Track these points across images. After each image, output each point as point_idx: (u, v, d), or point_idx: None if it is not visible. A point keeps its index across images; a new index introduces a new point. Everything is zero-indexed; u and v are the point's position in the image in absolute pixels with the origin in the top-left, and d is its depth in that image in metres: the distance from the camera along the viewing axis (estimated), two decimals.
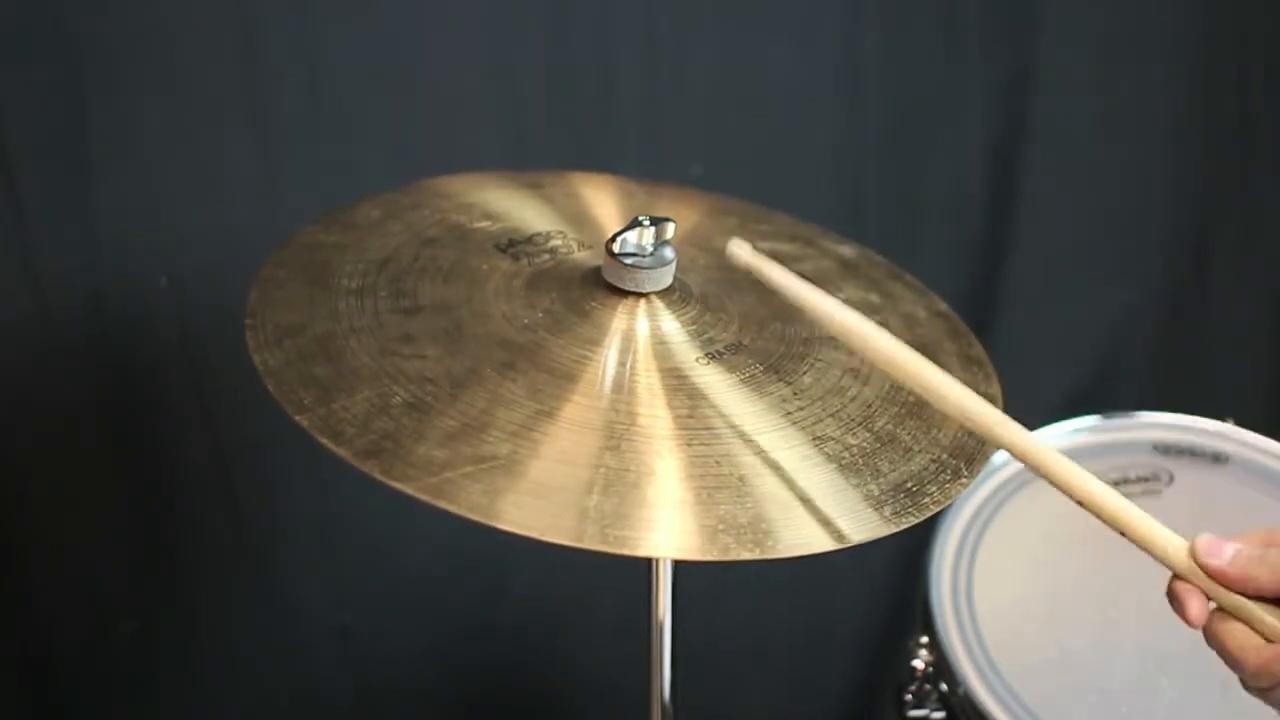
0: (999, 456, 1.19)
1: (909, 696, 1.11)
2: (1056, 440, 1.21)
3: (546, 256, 0.91)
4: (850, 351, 0.83)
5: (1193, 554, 0.69)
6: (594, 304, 0.85)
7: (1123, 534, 0.71)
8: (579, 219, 0.98)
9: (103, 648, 1.37)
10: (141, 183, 1.23)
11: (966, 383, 0.90)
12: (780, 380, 0.83)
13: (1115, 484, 1.17)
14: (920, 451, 0.81)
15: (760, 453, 0.76)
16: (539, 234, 0.94)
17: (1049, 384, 1.65)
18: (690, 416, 0.78)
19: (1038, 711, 1.00)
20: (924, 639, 1.10)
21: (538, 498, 0.71)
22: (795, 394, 0.82)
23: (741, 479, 0.74)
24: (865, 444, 0.80)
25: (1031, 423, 1.18)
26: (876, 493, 0.76)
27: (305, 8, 1.25)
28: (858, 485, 0.76)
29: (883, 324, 0.93)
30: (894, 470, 0.78)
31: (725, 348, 0.84)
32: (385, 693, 1.52)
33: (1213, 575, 0.69)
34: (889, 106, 1.53)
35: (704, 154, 1.45)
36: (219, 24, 1.22)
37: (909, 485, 0.78)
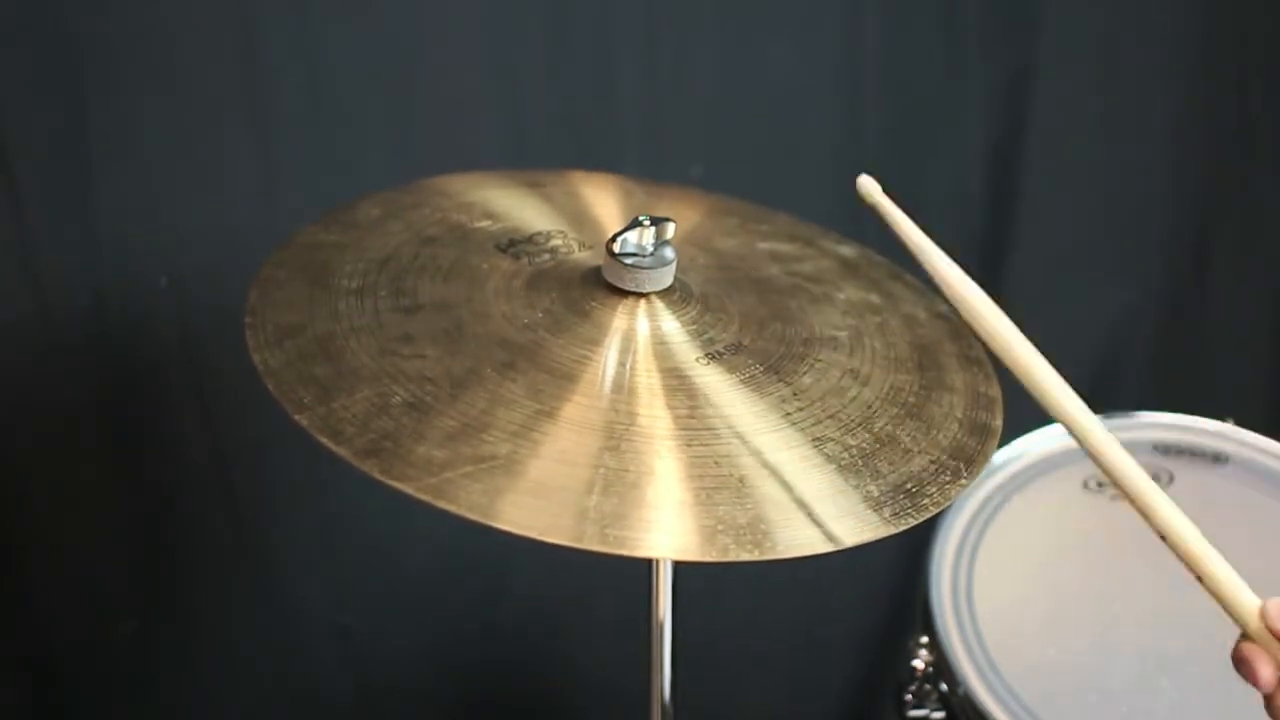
0: (999, 456, 1.19)
1: (909, 696, 1.11)
2: (1056, 440, 1.21)
3: (547, 256, 0.91)
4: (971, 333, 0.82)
5: (1264, 616, 0.67)
6: (594, 304, 0.84)
7: (1198, 578, 0.69)
8: (579, 219, 0.98)
9: (103, 648, 1.37)
10: (141, 183, 1.23)
11: (966, 383, 0.91)
12: (780, 381, 0.83)
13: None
14: (920, 453, 0.81)
15: (760, 453, 0.76)
16: (539, 233, 0.94)
17: None
18: (690, 417, 0.78)
19: (1038, 711, 1.00)
20: (924, 639, 1.10)
21: (537, 498, 0.71)
22: (795, 394, 0.82)
23: (741, 480, 0.74)
24: (865, 445, 0.80)
25: (1031, 423, 1.19)
26: (876, 494, 0.76)
27: (305, 8, 1.25)
28: (857, 486, 0.76)
29: (882, 325, 0.93)
30: (893, 471, 0.78)
31: (725, 348, 0.84)
32: (385, 693, 1.52)
33: None
34: (889, 106, 1.53)
35: (704, 154, 1.45)
36: (219, 24, 1.22)
37: (908, 486, 0.78)
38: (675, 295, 0.86)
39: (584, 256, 0.91)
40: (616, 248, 0.84)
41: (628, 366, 0.81)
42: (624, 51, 1.39)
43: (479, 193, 1.01)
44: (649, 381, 0.80)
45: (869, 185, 0.84)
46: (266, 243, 0.91)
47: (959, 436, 0.83)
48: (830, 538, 0.73)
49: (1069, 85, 1.59)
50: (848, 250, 1.04)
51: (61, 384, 1.27)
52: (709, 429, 0.77)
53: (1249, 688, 0.72)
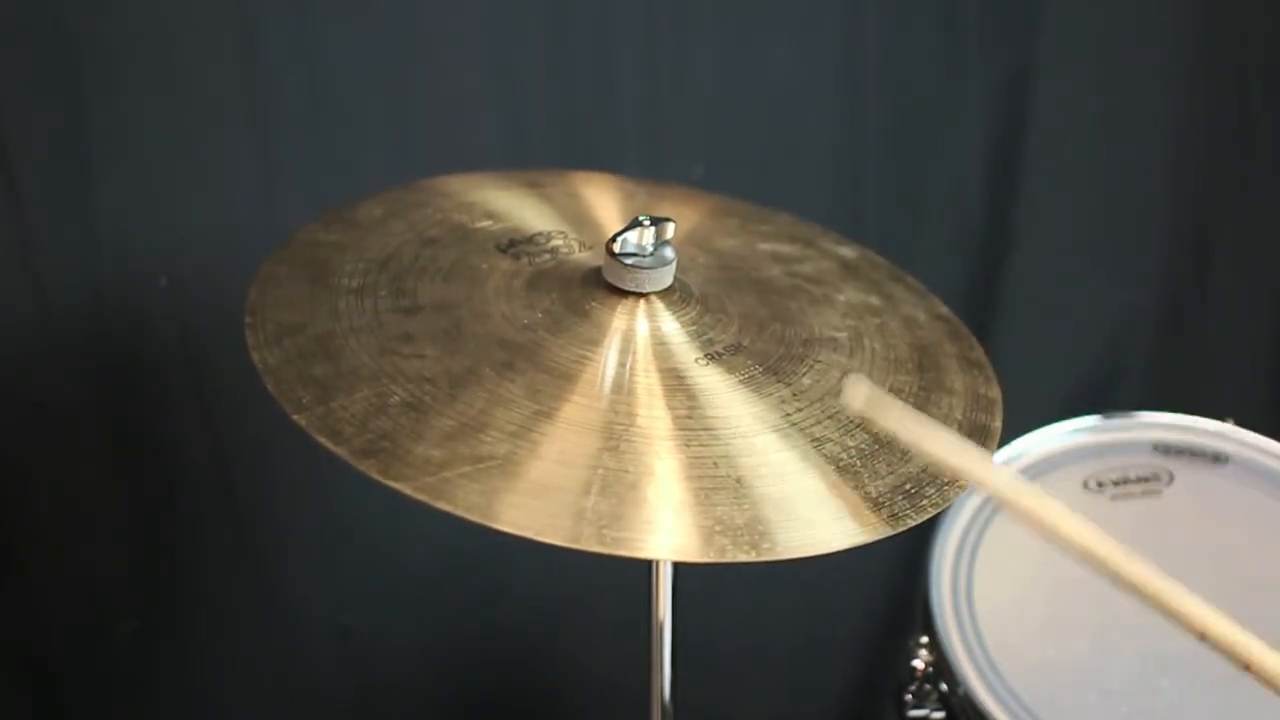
0: (999, 456, 1.19)
1: (909, 696, 1.11)
2: (1056, 440, 1.21)
3: (547, 256, 0.91)
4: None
5: None
6: (594, 304, 0.84)
7: (1245, 668, 0.68)
8: (580, 219, 0.98)
9: (103, 648, 1.37)
10: (141, 183, 1.23)
11: (966, 385, 0.90)
12: (779, 381, 0.83)
13: (1115, 484, 1.17)
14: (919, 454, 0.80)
15: (758, 454, 0.76)
16: (540, 234, 0.94)
17: (1049, 384, 1.65)
18: (689, 417, 0.78)
19: (1038, 711, 1.00)
20: (924, 639, 1.10)
21: (535, 498, 0.71)
22: (794, 395, 0.82)
23: (739, 480, 0.74)
24: (863, 446, 0.79)
25: (1031, 423, 1.19)
26: (874, 495, 0.76)
27: (305, 8, 1.25)
28: (855, 487, 0.76)
29: (882, 326, 0.93)
30: (892, 472, 0.78)
31: (725, 349, 0.84)
32: (385, 693, 1.52)
33: None
34: (889, 106, 1.53)
35: (704, 154, 1.45)
36: (219, 24, 1.22)
37: (907, 487, 0.78)
38: (675, 296, 0.86)
39: (584, 257, 0.91)
40: (616, 248, 0.84)
41: (627, 367, 0.81)
42: (624, 51, 1.39)
43: (480, 193, 1.01)
44: (648, 382, 0.80)
45: (857, 390, 0.70)
46: (266, 243, 0.91)
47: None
48: (828, 539, 0.73)
49: (1069, 85, 1.58)
50: (848, 251, 1.04)
51: (61, 384, 1.27)
52: (707, 429, 0.77)
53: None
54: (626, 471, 0.73)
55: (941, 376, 0.89)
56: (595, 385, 0.79)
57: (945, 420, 0.85)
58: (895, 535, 0.76)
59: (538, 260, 0.90)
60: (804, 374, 0.84)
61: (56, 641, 1.36)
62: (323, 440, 0.72)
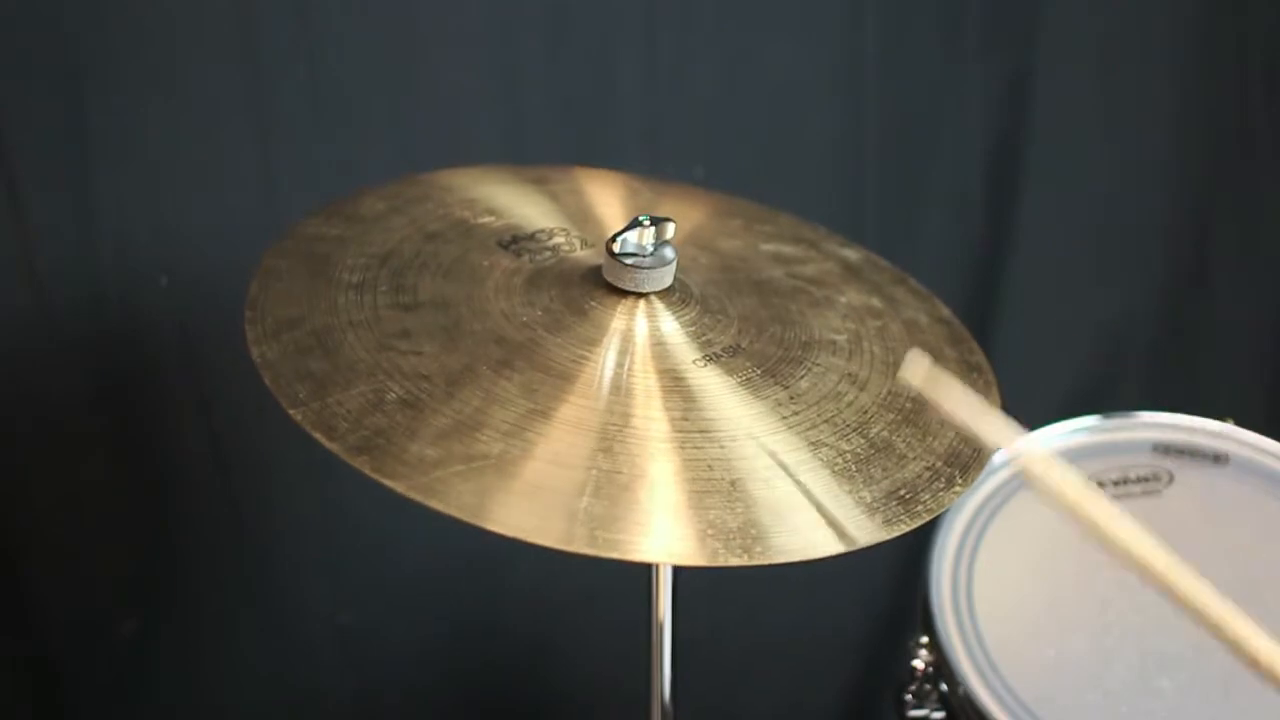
0: (999, 456, 1.19)
1: (909, 696, 1.11)
2: (1056, 440, 1.21)
3: (548, 254, 0.90)
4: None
5: None
6: (593, 303, 0.84)
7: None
8: (583, 217, 0.97)
9: (103, 648, 1.37)
10: (141, 183, 1.23)
11: (966, 388, 0.90)
12: (777, 384, 0.82)
13: (1115, 484, 1.17)
14: (915, 459, 0.80)
15: (754, 457, 0.76)
16: (542, 231, 0.93)
17: (1049, 384, 1.65)
18: (684, 419, 0.77)
19: (1038, 711, 1.00)
20: (924, 639, 1.10)
21: (528, 499, 0.70)
22: (791, 398, 0.81)
23: (733, 484, 0.74)
24: (859, 450, 0.79)
25: (1031, 423, 1.19)
26: (869, 499, 0.76)
27: (305, 8, 1.25)
28: (850, 491, 0.76)
29: (883, 329, 0.92)
30: (887, 477, 0.78)
31: (723, 350, 0.84)
32: (385, 693, 1.52)
33: None
34: (889, 106, 1.53)
35: (704, 154, 1.45)
36: (219, 24, 1.22)
37: (902, 493, 0.77)
38: (675, 296, 0.86)
39: (586, 255, 0.90)
40: (616, 248, 0.84)
41: (625, 368, 0.80)
42: (624, 51, 1.39)
43: (484, 188, 1.01)
44: (646, 383, 0.79)
45: (916, 365, 0.73)
46: (266, 242, 0.90)
47: (955, 443, 0.83)
48: (820, 544, 0.72)
49: (1069, 85, 1.58)
50: (852, 253, 1.03)
51: (61, 384, 1.27)
52: (702, 431, 0.77)
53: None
54: (620, 473, 0.72)
55: None
56: (592, 385, 0.78)
57: (943, 426, 0.84)
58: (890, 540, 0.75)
59: (539, 258, 0.90)
60: (802, 377, 0.84)
61: (56, 641, 1.36)
62: (318, 436, 0.72)
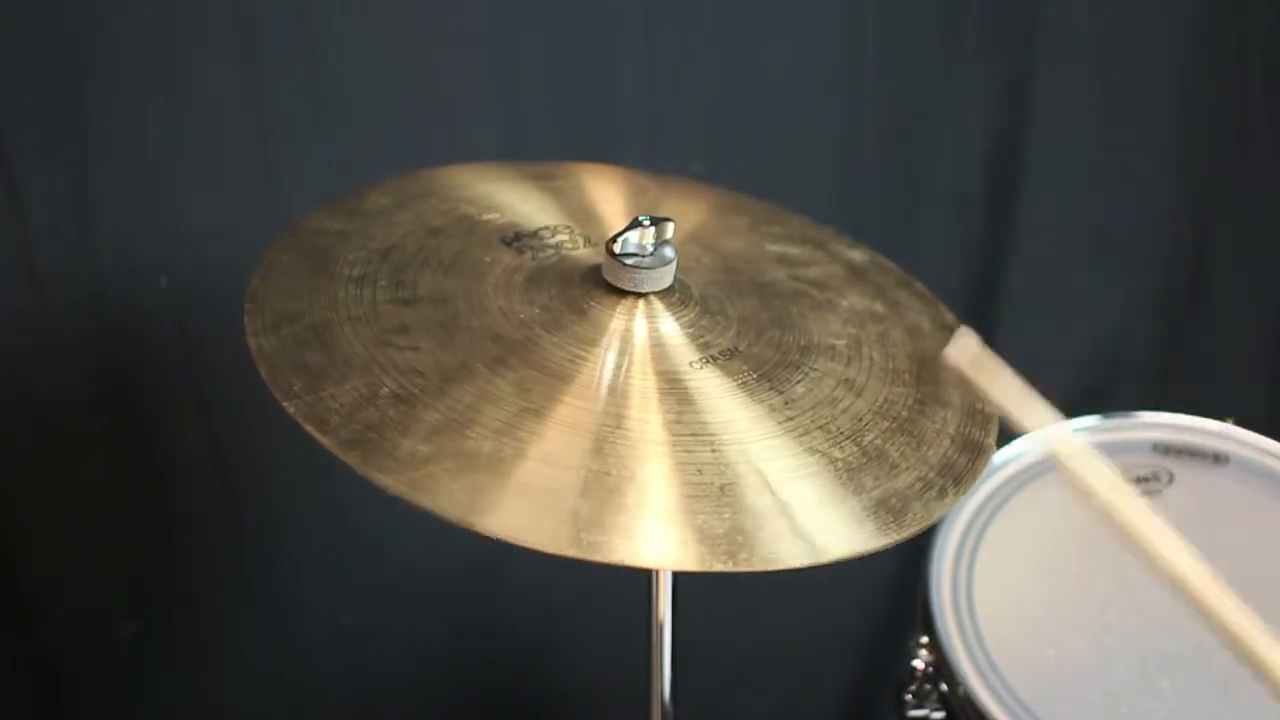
0: (999, 456, 1.19)
1: (909, 696, 1.11)
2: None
3: (551, 251, 0.90)
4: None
5: None
6: (592, 302, 0.84)
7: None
8: (588, 214, 0.97)
9: (103, 648, 1.37)
10: (141, 183, 1.23)
11: (964, 399, 0.89)
12: (773, 389, 0.82)
13: None
14: (907, 469, 0.79)
15: (743, 462, 0.75)
16: (545, 228, 0.93)
17: (1049, 384, 1.65)
18: (677, 422, 0.77)
19: (1038, 711, 1.00)
20: (924, 639, 1.10)
21: (517, 498, 0.70)
22: (786, 403, 0.81)
23: (721, 489, 0.73)
24: (851, 458, 0.78)
25: None
26: (858, 508, 0.75)
27: (305, 8, 1.25)
28: (839, 500, 0.75)
29: (883, 335, 0.92)
30: (878, 486, 0.77)
31: (720, 352, 0.83)
32: (385, 693, 1.52)
33: None
34: (889, 106, 1.53)
35: (704, 154, 1.45)
36: (219, 24, 1.22)
37: (892, 502, 0.77)
38: (674, 297, 0.85)
39: (588, 253, 0.90)
40: (617, 248, 0.84)
41: (622, 369, 0.80)
42: (624, 51, 1.39)
43: (489, 185, 1.00)
44: (640, 384, 0.79)
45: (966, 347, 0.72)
46: (266, 242, 0.90)
47: (949, 453, 0.82)
48: (806, 552, 0.72)
49: (1069, 85, 1.58)
50: (858, 256, 1.02)
51: (61, 384, 1.27)
52: (693, 435, 0.76)
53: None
54: (609, 475, 0.72)
55: (939, 389, 0.88)
56: (587, 385, 0.78)
57: (938, 435, 0.83)
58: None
59: (541, 255, 0.89)
60: (798, 382, 0.83)
61: (56, 641, 1.36)
62: (310, 429, 0.72)
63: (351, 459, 0.70)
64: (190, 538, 1.39)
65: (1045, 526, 1.14)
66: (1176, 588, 0.66)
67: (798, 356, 0.85)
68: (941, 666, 1.06)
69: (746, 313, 0.88)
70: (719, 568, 0.69)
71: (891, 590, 1.63)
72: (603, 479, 0.72)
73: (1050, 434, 0.68)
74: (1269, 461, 1.18)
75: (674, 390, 0.79)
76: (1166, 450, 1.20)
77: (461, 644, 1.55)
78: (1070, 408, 1.27)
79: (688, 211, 1.00)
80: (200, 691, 1.45)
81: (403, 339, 0.79)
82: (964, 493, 0.80)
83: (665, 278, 0.85)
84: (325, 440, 0.71)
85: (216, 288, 1.24)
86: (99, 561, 1.35)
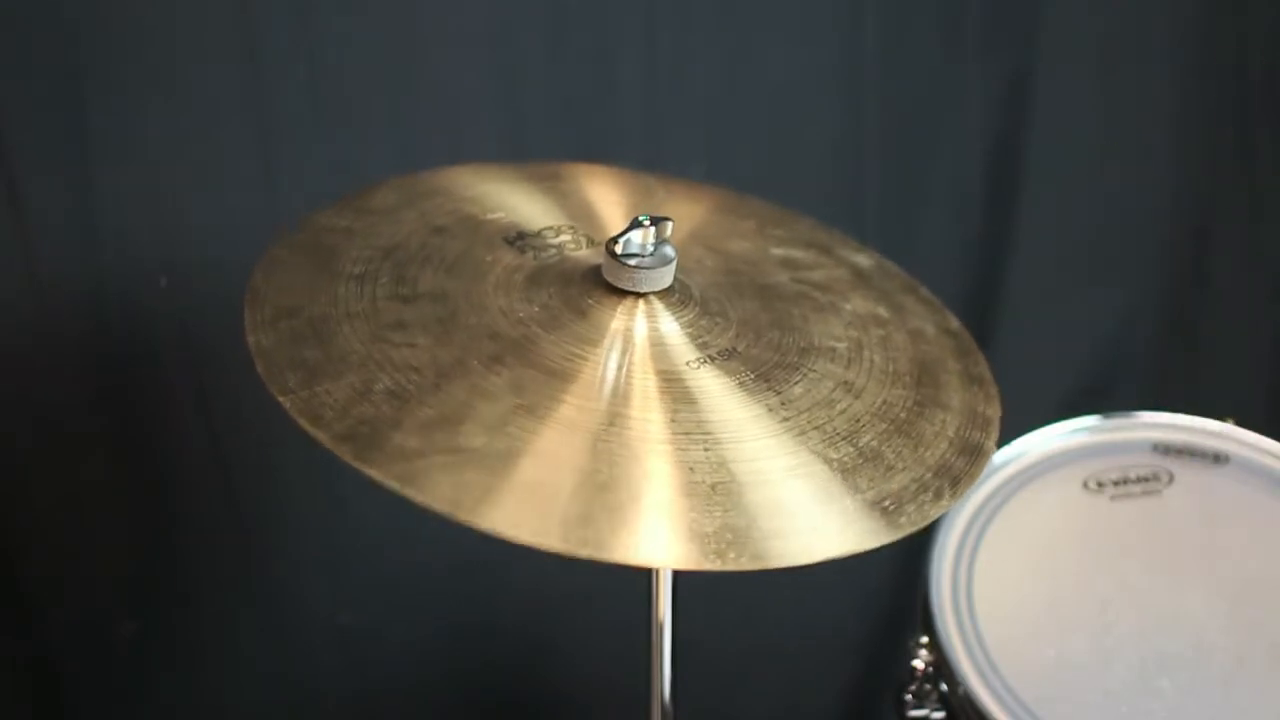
0: (999, 456, 1.19)
1: (909, 696, 1.11)
2: (1056, 440, 1.21)
3: (553, 251, 0.90)
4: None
5: None
6: (591, 302, 0.84)
7: None
8: (591, 214, 0.97)
9: (103, 648, 1.37)
10: (141, 182, 1.23)
11: (964, 402, 0.89)
12: (770, 390, 0.82)
13: (1115, 484, 1.17)
14: (903, 470, 0.79)
15: (738, 461, 0.75)
16: (548, 228, 0.93)
17: (1049, 384, 1.65)
18: (673, 421, 0.77)
19: (1038, 711, 1.00)
20: (924, 639, 1.10)
21: (511, 493, 0.70)
22: (783, 404, 0.81)
23: (713, 488, 0.73)
24: (847, 459, 0.78)
25: (1031, 423, 1.19)
26: (851, 509, 0.75)
27: (305, 8, 1.25)
28: (833, 500, 0.75)
29: (885, 339, 0.92)
30: (872, 488, 0.77)
31: (718, 353, 0.83)
32: (385, 693, 1.52)
33: None
34: (889, 106, 1.53)
35: (704, 154, 1.45)
36: (219, 24, 1.22)
37: (885, 504, 0.76)
38: (674, 297, 0.85)
39: (590, 254, 0.90)
40: (617, 248, 0.84)
41: (621, 369, 0.80)
42: (624, 51, 1.39)
43: (493, 184, 1.00)
44: (640, 383, 0.79)
45: None
46: (266, 242, 0.91)
47: (947, 456, 0.82)
48: (796, 552, 0.72)
49: (1069, 85, 1.58)
50: (864, 259, 1.02)
51: (61, 384, 1.27)
52: (687, 434, 0.76)
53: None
54: (599, 472, 0.72)
55: (939, 392, 0.88)
56: (584, 383, 0.78)
57: (936, 438, 0.83)
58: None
59: (543, 255, 0.90)
60: (796, 383, 0.83)
61: (56, 641, 1.36)
62: (304, 423, 0.72)
63: (344, 452, 0.71)
64: (190, 538, 1.39)
65: (1045, 526, 1.14)
66: None
67: (797, 358, 0.85)
68: (941, 666, 1.06)
69: (747, 314, 0.88)
70: (709, 567, 0.69)
71: (891, 590, 1.63)
72: (594, 476, 0.72)
73: None
74: (1269, 461, 1.18)
75: (671, 390, 0.79)
76: (1166, 450, 1.20)
77: (461, 644, 1.55)
78: (1070, 408, 1.27)
79: (694, 213, 1.00)
80: (200, 691, 1.45)
81: (400, 335, 0.79)
82: (959, 496, 0.80)
83: (665, 278, 0.85)
84: (319, 434, 0.72)
85: (217, 288, 1.24)
86: (99, 561, 1.35)
